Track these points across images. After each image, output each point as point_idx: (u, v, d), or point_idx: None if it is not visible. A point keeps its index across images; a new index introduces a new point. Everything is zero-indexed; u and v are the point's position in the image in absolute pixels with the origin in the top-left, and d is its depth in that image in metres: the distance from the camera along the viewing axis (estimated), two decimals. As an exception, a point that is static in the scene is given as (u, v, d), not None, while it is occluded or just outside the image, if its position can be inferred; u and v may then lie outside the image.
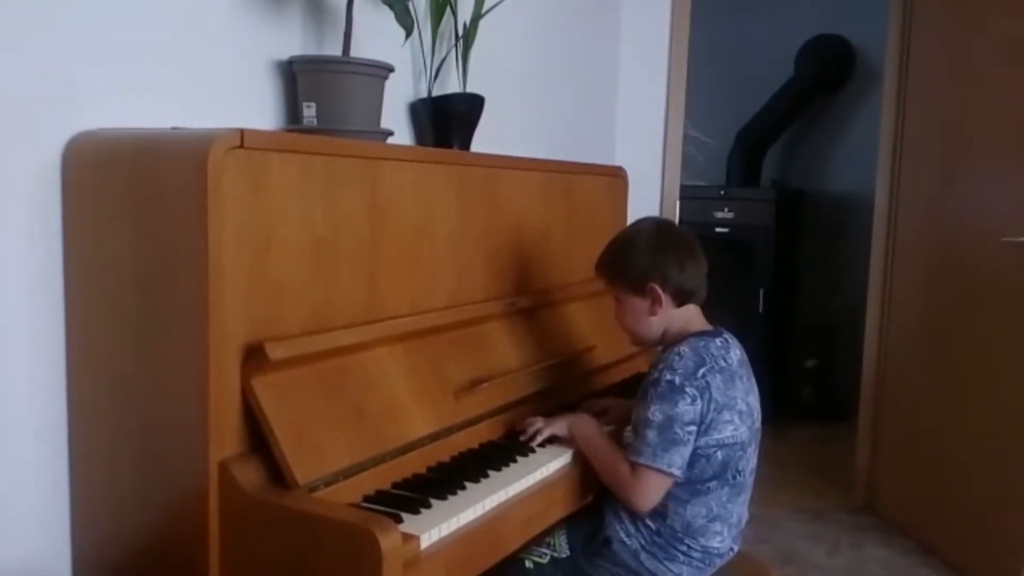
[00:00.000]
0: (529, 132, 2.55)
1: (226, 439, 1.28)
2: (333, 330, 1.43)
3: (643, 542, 1.67)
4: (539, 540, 1.70)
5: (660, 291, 1.69)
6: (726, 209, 4.48)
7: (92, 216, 1.37)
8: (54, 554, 1.43)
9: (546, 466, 1.64)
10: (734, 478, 1.67)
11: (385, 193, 1.56)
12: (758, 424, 1.74)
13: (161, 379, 1.32)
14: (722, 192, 4.57)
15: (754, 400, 1.72)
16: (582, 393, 2.02)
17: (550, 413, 1.80)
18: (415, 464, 1.52)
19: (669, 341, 1.73)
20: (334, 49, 1.78)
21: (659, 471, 1.60)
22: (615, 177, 2.51)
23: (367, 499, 1.38)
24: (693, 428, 1.60)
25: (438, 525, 1.32)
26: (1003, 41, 2.76)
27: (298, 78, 1.71)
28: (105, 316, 1.37)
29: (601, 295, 1.87)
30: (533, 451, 1.70)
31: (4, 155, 1.32)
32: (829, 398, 4.68)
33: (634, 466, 1.61)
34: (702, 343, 1.67)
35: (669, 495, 1.65)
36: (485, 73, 2.17)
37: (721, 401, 1.63)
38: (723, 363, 1.66)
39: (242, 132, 1.27)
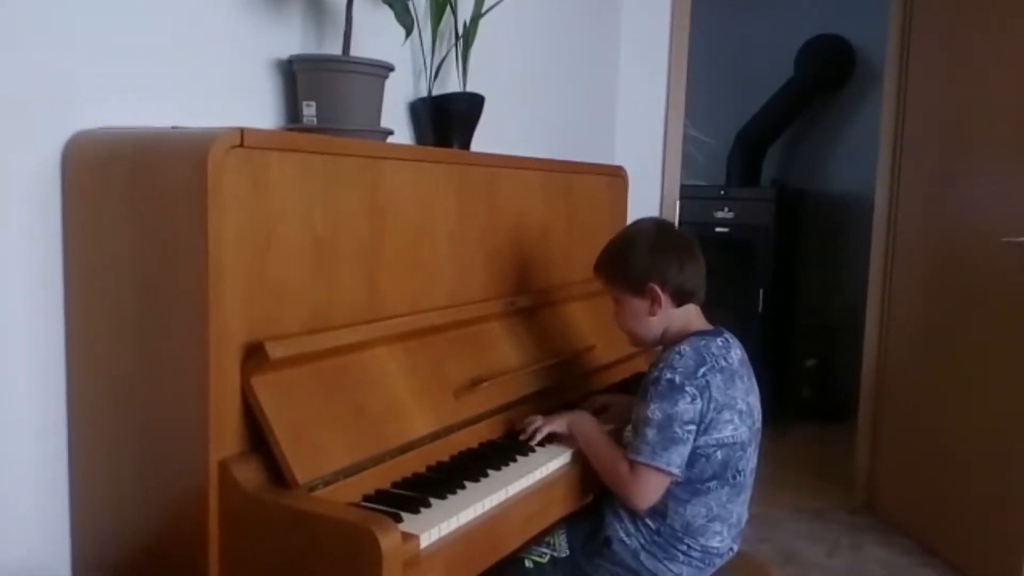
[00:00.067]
0: (529, 132, 2.55)
1: (226, 438, 1.28)
2: (333, 329, 1.43)
3: (643, 542, 1.67)
4: (539, 539, 1.70)
5: (659, 291, 1.69)
6: (726, 209, 4.48)
7: (92, 215, 1.37)
8: (54, 554, 1.43)
9: (546, 465, 1.64)
10: (734, 478, 1.67)
11: (385, 192, 1.56)
12: (758, 424, 1.74)
13: (161, 378, 1.32)
14: (722, 192, 4.57)
15: (754, 400, 1.72)
16: (582, 393, 2.02)
17: (550, 412, 1.80)
18: (415, 463, 1.52)
19: (669, 341, 1.73)
20: (334, 48, 1.78)
21: (658, 470, 1.60)
22: (615, 177, 2.51)
23: (367, 498, 1.38)
24: (692, 427, 1.60)
25: (438, 524, 1.32)
26: (1003, 41, 2.76)
27: (298, 77, 1.71)
28: (105, 315, 1.37)
29: (601, 295, 1.87)
30: (533, 450, 1.70)
31: (4, 155, 1.32)
32: (829, 398, 4.68)
33: (633, 464, 1.61)
34: (703, 342, 1.67)
35: (669, 495, 1.65)
36: (485, 72, 2.17)
37: (721, 400, 1.63)
38: (723, 363, 1.66)
39: (242, 131, 1.26)
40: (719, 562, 1.72)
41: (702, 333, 1.71)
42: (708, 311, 1.78)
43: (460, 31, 2.08)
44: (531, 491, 1.56)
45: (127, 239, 1.33)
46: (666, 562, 1.67)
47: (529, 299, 1.98)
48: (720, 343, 1.69)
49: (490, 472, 1.55)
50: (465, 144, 2.08)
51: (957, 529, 2.91)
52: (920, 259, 3.21)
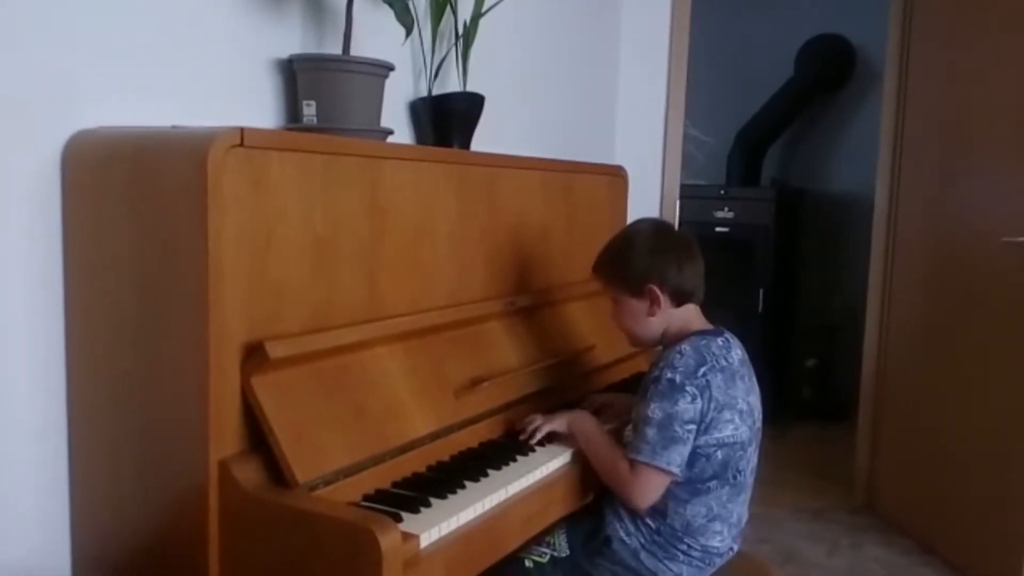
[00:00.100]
0: (529, 131, 2.55)
1: (226, 438, 1.28)
2: (333, 329, 1.43)
3: (643, 541, 1.67)
4: (539, 539, 1.70)
5: (658, 292, 1.69)
6: (726, 208, 4.48)
7: (92, 215, 1.37)
8: (54, 553, 1.43)
9: (546, 465, 1.64)
10: (734, 477, 1.67)
11: (385, 192, 1.56)
12: (759, 424, 1.74)
13: (161, 378, 1.32)
14: (722, 191, 4.57)
15: (755, 400, 1.72)
16: (582, 392, 2.02)
17: (551, 412, 1.80)
18: (415, 463, 1.52)
19: (669, 341, 1.73)
20: (334, 48, 1.78)
21: (658, 469, 1.60)
22: (615, 176, 2.51)
23: (367, 498, 1.38)
24: (693, 427, 1.60)
25: (438, 524, 1.32)
26: (1003, 41, 2.76)
27: (298, 77, 1.71)
28: (105, 315, 1.37)
29: (601, 294, 1.87)
30: (533, 450, 1.70)
31: (4, 154, 1.32)
32: (829, 398, 4.68)
33: (633, 463, 1.61)
34: (703, 342, 1.67)
35: (669, 494, 1.65)
36: (485, 72, 2.17)
37: (721, 400, 1.63)
38: (724, 362, 1.66)
39: (242, 131, 1.26)
40: (719, 562, 1.72)
41: (702, 333, 1.71)
42: (708, 311, 1.78)
43: (460, 31, 2.08)
44: (531, 491, 1.56)
45: (127, 239, 1.33)
46: (666, 561, 1.67)
47: (529, 299, 1.98)
48: (720, 343, 1.69)
49: (490, 472, 1.55)
50: (465, 144, 2.08)
51: (957, 529, 2.91)
52: (920, 259, 3.21)
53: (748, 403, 1.69)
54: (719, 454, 1.64)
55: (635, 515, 1.68)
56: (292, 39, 1.76)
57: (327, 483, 1.32)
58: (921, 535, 3.10)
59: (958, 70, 3.01)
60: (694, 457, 1.63)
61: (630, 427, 1.70)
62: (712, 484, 1.65)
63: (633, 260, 1.72)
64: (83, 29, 1.40)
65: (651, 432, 1.60)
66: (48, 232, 1.39)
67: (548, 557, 1.70)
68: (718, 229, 4.46)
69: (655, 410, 1.60)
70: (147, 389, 1.33)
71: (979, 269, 2.82)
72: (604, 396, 1.99)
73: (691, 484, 1.65)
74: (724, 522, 1.68)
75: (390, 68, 1.75)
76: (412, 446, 1.52)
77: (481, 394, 1.71)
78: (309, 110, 1.67)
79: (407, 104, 2.09)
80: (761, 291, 4.37)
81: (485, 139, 2.16)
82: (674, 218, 3.13)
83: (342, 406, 1.40)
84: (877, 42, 3.75)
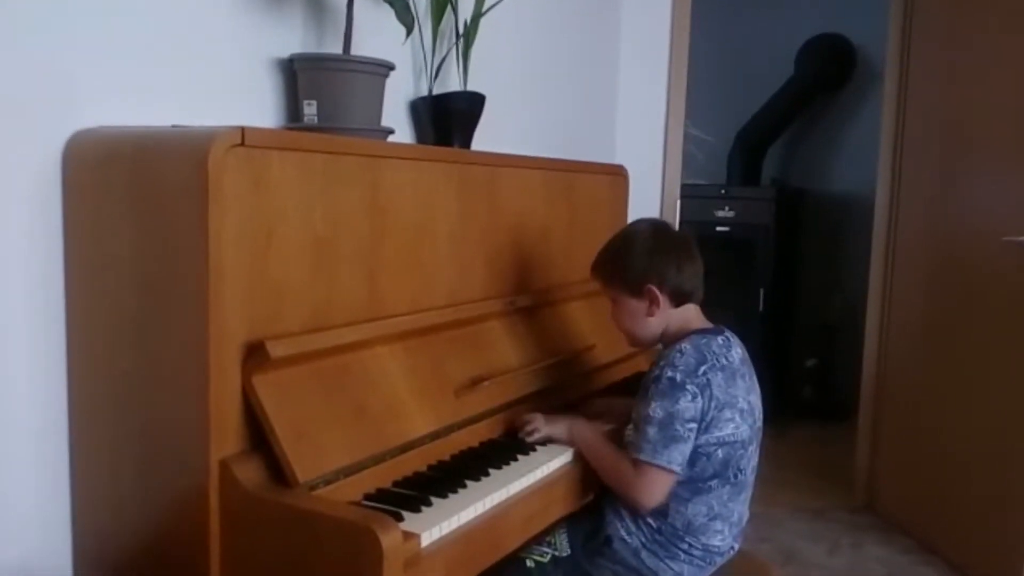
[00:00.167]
0: (530, 131, 2.55)
1: (227, 437, 1.28)
2: (334, 328, 1.43)
3: (644, 540, 1.67)
4: (540, 539, 1.70)
5: (658, 292, 1.69)
6: (727, 208, 4.48)
7: (92, 215, 1.37)
8: (55, 553, 1.43)
9: (547, 465, 1.64)
10: (735, 477, 1.67)
11: (386, 191, 1.56)
12: (759, 423, 1.74)
13: (162, 378, 1.32)
14: (723, 191, 4.57)
15: (755, 399, 1.72)
16: (582, 392, 2.02)
17: (551, 411, 1.80)
18: (416, 462, 1.52)
19: (668, 340, 1.73)
20: (335, 47, 1.78)
21: (660, 467, 1.59)
22: (616, 176, 2.51)
23: (368, 497, 1.38)
24: (693, 425, 1.60)
25: (439, 523, 1.32)
26: (1003, 41, 2.76)
27: (299, 76, 1.71)
28: (106, 315, 1.37)
29: (601, 294, 1.86)
30: (534, 449, 1.70)
31: (5, 154, 1.32)
32: (829, 397, 4.68)
33: (636, 463, 1.61)
34: (703, 341, 1.67)
35: (670, 493, 1.64)
36: (486, 71, 2.17)
37: (722, 399, 1.63)
38: (724, 361, 1.66)
39: (243, 130, 1.26)
40: (720, 561, 1.72)
41: (703, 331, 1.71)
42: (708, 311, 1.78)
43: (461, 30, 2.08)
44: (532, 490, 1.56)
45: (128, 238, 1.33)
46: (667, 561, 1.67)
47: (529, 298, 1.98)
48: (721, 341, 1.69)
49: (491, 471, 1.55)
50: (466, 143, 2.08)
51: (957, 528, 2.91)
52: (920, 259, 3.21)
53: (749, 402, 1.69)
54: (720, 453, 1.64)
55: (636, 514, 1.68)
56: (292, 38, 1.76)
57: (328, 482, 1.32)
58: (921, 534, 3.10)
59: (958, 70, 3.01)
60: (695, 456, 1.63)
61: (630, 426, 1.70)
62: (713, 483, 1.65)
63: (632, 260, 1.72)
64: (83, 29, 1.40)
65: (652, 431, 1.60)
66: (48, 232, 1.39)
67: (549, 556, 1.70)
68: (718, 229, 4.46)
69: (656, 409, 1.60)
70: (148, 388, 1.33)
71: (979, 269, 2.82)
72: (602, 402, 1.98)
73: (692, 483, 1.65)
74: (725, 521, 1.68)
75: (391, 67, 1.75)
76: (413, 445, 1.52)
77: (481, 393, 1.71)
78: (310, 109, 1.67)
79: (408, 103, 2.09)
80: (761, 291, 4.37)
81: (486, 139, 2.15)
82: (674, 217, 3.12)
83: (343, 405, 1.40)
84: (877, 42, 3.75)
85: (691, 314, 1.74)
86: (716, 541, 1.68)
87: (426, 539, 1.28)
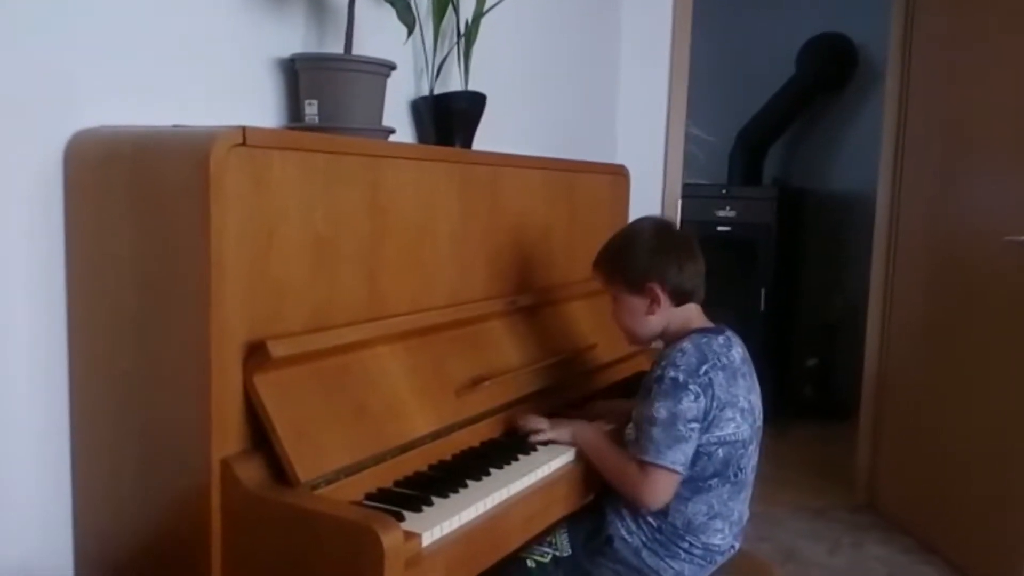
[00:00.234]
0: (531, 130, 2.55)
1: (228, 437, 1.28)
2: (335, 328, 1.43)
3: (644, 539, 1.67)
4: (540, 539, 1.70)
5: (659, 291, 1.69)
6: (728, 208, 4.48)
7: (93, 215, 1.37)
8: (56, 553, 1.43)
9: (547, 464, 1.64)
10: (735, 476, 1.67)
11: (387, 191, 1.56)
12: (759, 422, 1.74)
13: (163, 377, 1.32)
14: (724, 191, 4.57)
15: (756, 398, 1.72)
16: (583, 391, 2.02)
17: (551, 412, 1.80)
18: (417, 462, 1.52)
19: (669, 339, 1.73)
20: (336, 47, 1.78)
21: (665, 468, 1.59)
22: (617, 175, 2.51)
23: (369, 497, 1.38)
24: (696, 425, 1.60)
25: (440, 523, 1.32)
26: (1004, 41, 2.76)
27: (300, 76, 1.71)
28: (107, 314, 1.37)
29: (602, 294, 1.86)
30: (535, 449, 1.70)
31: (5, 154, 1.32)
32: (830, 397, 4.68)
33: (641, 464, 1.61)
34: (704, 340, 1.67)
35: (671, 493, 1.65)
36: (487, 71, 2.17)
37: (723, 398, 1.63)
38: (725, 360, 1.66)
39: (244, 129, 1.26)
40: (720, 560, 1.72)
41: (703, 331, 1.71)
42: (710, 310, 1.78)
43: (462, 30, 2.08)
44: (533, 490, 1.56)
45: (129, 238, 1.33)
46: (668, 560, 1.67)
47: (530, 298, 1.98)
48: (721, 341, 1.69)
49: (492, 471, 1.55)
50: (467, 143, 2.08)
51: (957, 528, 2.91)
52: (921, 258, 3.21)
53: (749, 401, 1.69)
54: (720, 452, 1.64)
55: (636, 514, 1.68)
56: (294, 38, 1.76)
57: (329, 482, 1.32)
58: (922, 534, 3.10)
59: (959, 70, 3.00)
60: (696, 455, 1.63)
61: (631, 425, 1.70)
62: (713, 482, 1.65)
63: (634, 259, 1.72)
64: (83, 29, 1.40)
65: (656, 432, 1.60)
66: (50, 232, 1.39)
67: (550, 556, 1.70)
68: (720, 228, 4.46)
69: (659, 409, 1.60)
70: (149, 388, 1.34)
71: (980, 268, 2.82)
72: (603, 404, 1.97)
73: (692, 482, 1.65)
74: (725, 520, 1.68)
75: (392, 67, 1.75)
76: (414, 445, 1.52)
77: (482, 393, 1.71)
78: (311, 109, 1.67)
79: (409, 103, 2.09)
80: (763, 290, 4.37)
81: (487, 138, 2.16)
82: (676, 217, 3.12)
83: (344, 405, 1.40)
84: (879, 41, 3.75)
85: (692, 313, 1.74)
86: (716, 540, 1.68)
87: (427, 539, 1.28)
